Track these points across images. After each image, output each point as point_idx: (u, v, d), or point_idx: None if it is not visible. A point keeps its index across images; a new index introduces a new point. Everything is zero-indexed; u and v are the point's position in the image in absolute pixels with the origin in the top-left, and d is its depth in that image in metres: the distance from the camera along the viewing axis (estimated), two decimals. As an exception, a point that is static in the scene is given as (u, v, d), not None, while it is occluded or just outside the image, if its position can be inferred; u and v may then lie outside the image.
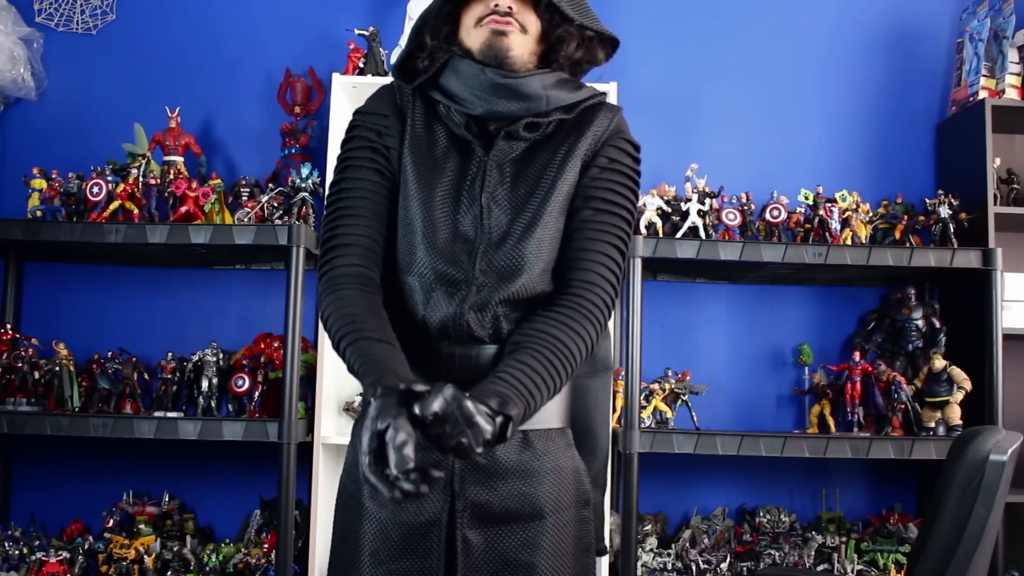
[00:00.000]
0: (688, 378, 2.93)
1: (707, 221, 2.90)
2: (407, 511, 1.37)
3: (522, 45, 1.44)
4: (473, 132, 1.44)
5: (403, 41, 2.89)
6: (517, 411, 1.24)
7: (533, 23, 1.45)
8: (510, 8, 1.42)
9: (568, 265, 1.42)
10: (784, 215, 2.94)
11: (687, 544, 2.90)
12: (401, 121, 1.47)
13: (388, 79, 1.53)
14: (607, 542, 1.62)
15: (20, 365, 2.79)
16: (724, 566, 2.80)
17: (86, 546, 2.81)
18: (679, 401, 2.90)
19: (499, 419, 1.21)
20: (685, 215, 2.89)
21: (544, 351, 1.32)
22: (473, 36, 1.44)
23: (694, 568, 2.80)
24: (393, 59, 3.02)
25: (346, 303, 1.36)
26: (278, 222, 2.82)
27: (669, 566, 2.83)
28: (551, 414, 1.43)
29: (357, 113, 1.50)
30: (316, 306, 1.41)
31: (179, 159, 2.95)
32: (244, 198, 2.91)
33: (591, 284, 1.40)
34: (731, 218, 2.91)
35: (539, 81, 1.43)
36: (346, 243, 1.41)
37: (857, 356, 2.90)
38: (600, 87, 2.81)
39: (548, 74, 1.45)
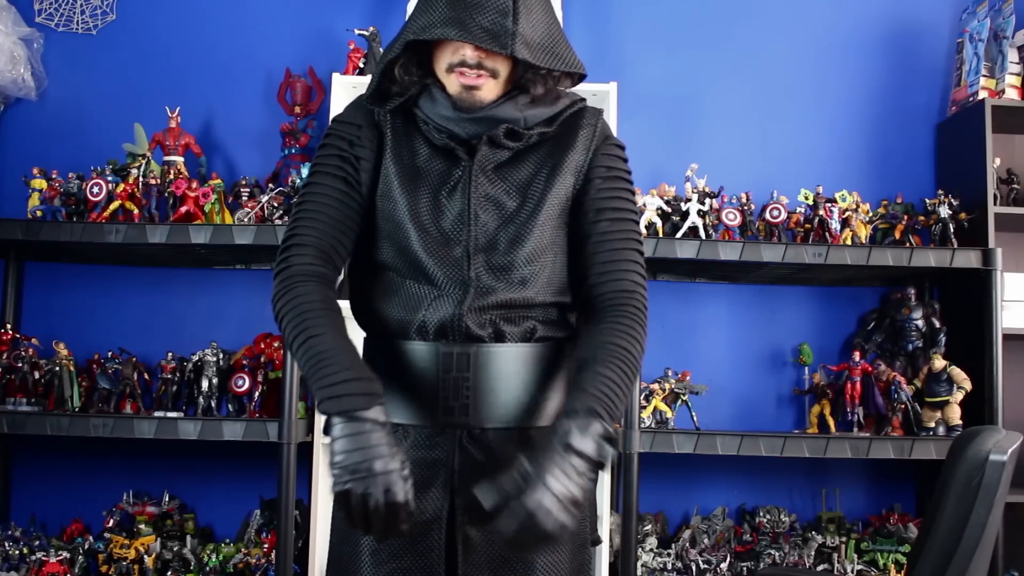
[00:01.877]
0: (688, 378, 2.93)
1: (707, 221, 2.90)
2: None
3: (494, 89, 1.42)
4: (456, 140, 1.44)
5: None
6: (615, 444, 1.29)
7: (503, 66, 1.41)
8: (480, 57, 1.38)
9: (602, 279, 1.43)
10: (784, 215, 2.94)
11: (687, 544, 2.90)
12: (376, 131, 1.46)
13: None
14: (600, 534, 1.63)
15: (20, 365, 2.79)
16: (724, 566, 2.80)
17: (86, 546, 2.81)
18: (679, 401, 2.90)
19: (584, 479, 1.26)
20: (685, 215, 2.89)
21: (618, 362, 1.34)
22: (446, 80, 1.42)
23: (694, 568, 2.80)
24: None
25: (298, 300, 1.35)
26: (278, 222, 2.83)
27: (669, 566, 2.83)
28: (547, 411, 1.44)
29: (333, 121, 1.50)
30: (272, 307, 1.41)
31: (179, 159, 2.95)
32: (244, 198, 2.91)
33: (632, 293, 1.42)
34: (731, 218, 2.91)
35: (513, 105, 1.43)
36: (302, 243, 1.41)
37: (857, 356, 2.90)
38: (600, 87, 2.83)
39: (522, 95, 1.44)
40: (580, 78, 1.50)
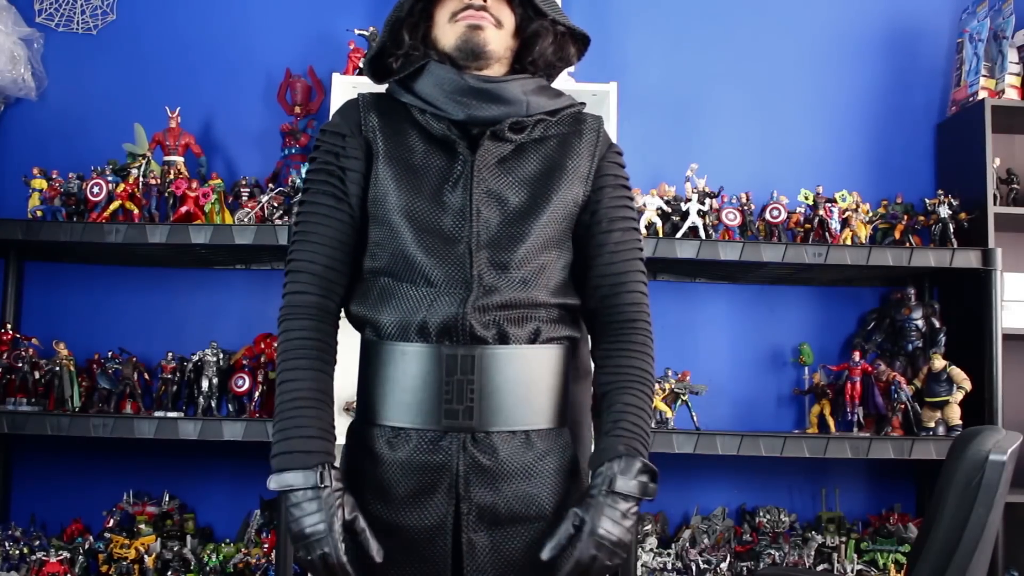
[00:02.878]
0: (688, 378, 2.93)
1: (707, 221, 2.90)
2: (411, 516, 1.37)
3: (498, 40, 1.44)
4: (455, 133, 1.43)
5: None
6: (655, 476, 1.36)
7: (508, 17, 1.45)
8: (484, 1, 1.41)
9: (616, 290, 1.47)
10: (784, 215, 2.94)
11: (687, 544, 2.90)
12: (362, 139, 1.45)
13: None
14: None
15: (20, 365, 2.79)
16: (724, 566, 2.80)
17: (86, 546, 2.81)
18: (679, 401, 2.90)
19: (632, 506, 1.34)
20: (685, 215, 2.89)
21: (640, 385, 1.42)
22: (448, 33, 1.43)
23: (694, 568, 2.80)
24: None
25: (286, 342, 1.41)
26: (278, 222, 2.83)
27: (669, 566, 2.83)
28: (552, 414, 1.43)
29: (320, 132, 1.50)
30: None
31: (179, 159, 2.95)
32: (244, 198, 2.91)
33: (640, 304, 1.47)
34: (731, 218, 2.91)
35: (520, 86, 1.43)
36: (299, 268, 1.44)
37: (857, 356, 2.90)
38: (600, 87, 2.83)
39: (528, 80, 1.46)
40: (584, 46, 1.54)
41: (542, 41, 1.47)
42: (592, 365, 1.56)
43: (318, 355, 1.40)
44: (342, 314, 1.50)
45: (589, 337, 1.54)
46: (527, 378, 1.39)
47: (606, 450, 1.36)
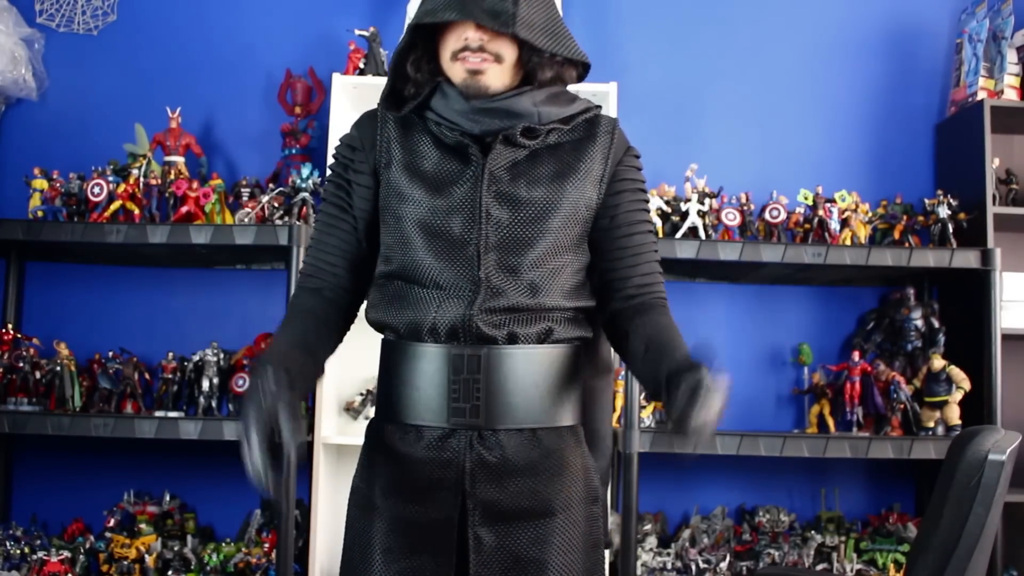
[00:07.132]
0: (688, 378, 2.92)
1: (707, 221, 2.91)
2: (420, 510, 1.39)
3: (500, 76, 1.44)
4: (469, 139, 1.44)
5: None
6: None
7: (508, 50, 1.43)
8: (482, 40, 1.41)
9: (643, 291, 1.48)
10: (783, 215, 2.95)
11: (687, 543, 2.90)
12: (374, 152, 1.48)
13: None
14: (612, 536, 1.65)
15: (21, 365, 2.80)
16: (724, 565, 2.81)
17: (87, 545, 2.81)
18: (679, 401, 2.89)
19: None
20: (685, 215, 2.90)
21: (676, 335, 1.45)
22: (452, 71, 1.45)
23: (694, 567, 2.81)
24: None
25: (291, 309, 1.49)
26: (279, 222, 2.83)
27: (669, 565, 2.83)
28: (561, 412, 1.45)
29: (337, 143, 1.55)
30: None
31: (180, 159, 2.96)
32: (245, 198, 2.91)
33: (665, 302, 1.51)
34: (731, 218, 2.92)
35: (530, 99, 1.44)
36: (308, 272, 1.52)
37: (856, 356, 2.90)
38: (600, 87, 2.83)
39: (538, 91, 1.46)
40: (585, 69, 1.52)
41: (542, 73, 1.47)
42: (612, 362, 1.58)
43: (311, 315, 1.46)
44: (360, 315, 1.53)
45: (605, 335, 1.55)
46: (535, 377, 1.41)
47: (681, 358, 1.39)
